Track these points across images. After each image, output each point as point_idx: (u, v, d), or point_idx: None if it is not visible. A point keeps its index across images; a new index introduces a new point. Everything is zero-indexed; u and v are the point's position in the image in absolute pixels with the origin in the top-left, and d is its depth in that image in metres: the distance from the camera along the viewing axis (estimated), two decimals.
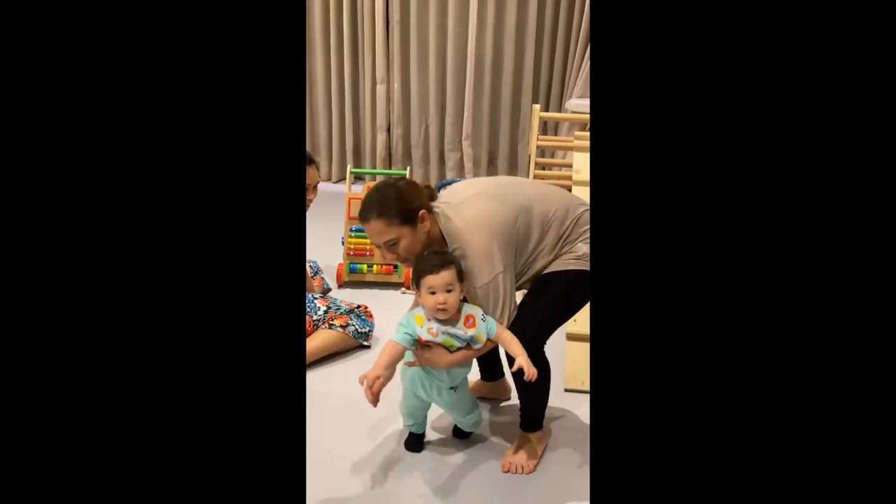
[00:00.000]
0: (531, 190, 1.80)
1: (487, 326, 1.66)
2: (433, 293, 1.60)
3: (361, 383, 1.59)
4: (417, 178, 4.31)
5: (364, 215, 1.69)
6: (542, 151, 3.92)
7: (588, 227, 1.77)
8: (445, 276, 1.60)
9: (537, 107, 3.41)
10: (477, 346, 1.67)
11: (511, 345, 1.66)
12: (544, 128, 4.10)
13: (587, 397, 2.17)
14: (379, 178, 3.92)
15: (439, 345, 1.66)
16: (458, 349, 1.66)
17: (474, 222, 1.68)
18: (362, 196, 2.93)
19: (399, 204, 1.66)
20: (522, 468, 1.83)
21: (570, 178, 3.04)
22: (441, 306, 1.60)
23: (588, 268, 1.74)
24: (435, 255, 1.65)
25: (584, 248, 1.74)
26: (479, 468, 1.84)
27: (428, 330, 1.64)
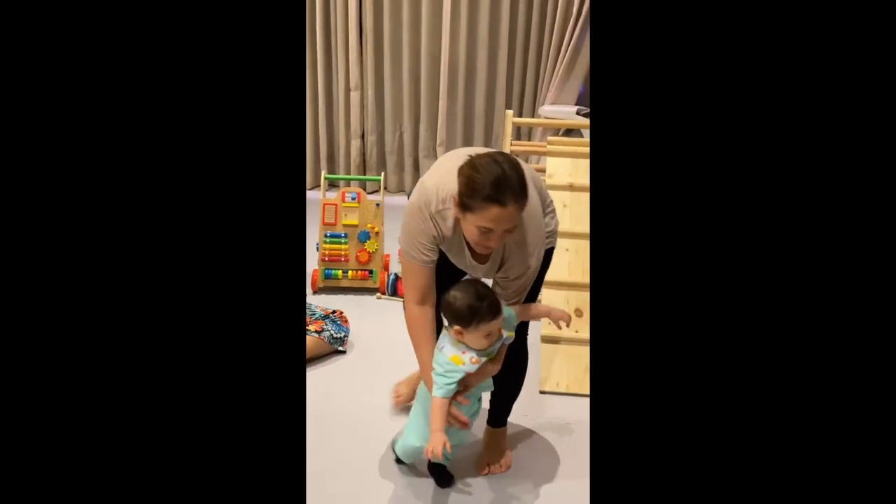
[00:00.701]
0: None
1: (509, 317, 1.65)
2: (489, 334, 1.57)
3: (430, 456, 1.56)
4: (392, 186, 4.32)
5: (501, 198, 1.42)
6: (515, 156, 3.95)
7: (549, 200, 1.76)
8: (501, 315, 1.58)
9: (510, 112, 3.44)
10: (510, 339, 1.67)
11: (535, 310, 1.72)
12: (518, 133, 4.14)
13: (562, 398, 2.21)
14: (354, 184, 3.96)
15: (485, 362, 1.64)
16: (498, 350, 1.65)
17: (530, 207, 1.57)
18: (336, 202, 2.97)
19: (528, 187, 1.49)
20: (501, 466, 1.85)
21: None
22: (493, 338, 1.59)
23: (550, 245, 1.74)
24: (481, 299, 1.56)
25: (551, 223, 1.74)
26: (456, 472, 1.85)
27: (471, 360, 1.60)
